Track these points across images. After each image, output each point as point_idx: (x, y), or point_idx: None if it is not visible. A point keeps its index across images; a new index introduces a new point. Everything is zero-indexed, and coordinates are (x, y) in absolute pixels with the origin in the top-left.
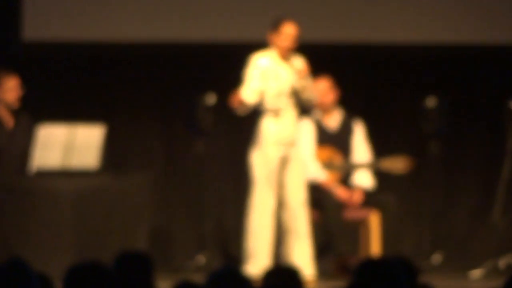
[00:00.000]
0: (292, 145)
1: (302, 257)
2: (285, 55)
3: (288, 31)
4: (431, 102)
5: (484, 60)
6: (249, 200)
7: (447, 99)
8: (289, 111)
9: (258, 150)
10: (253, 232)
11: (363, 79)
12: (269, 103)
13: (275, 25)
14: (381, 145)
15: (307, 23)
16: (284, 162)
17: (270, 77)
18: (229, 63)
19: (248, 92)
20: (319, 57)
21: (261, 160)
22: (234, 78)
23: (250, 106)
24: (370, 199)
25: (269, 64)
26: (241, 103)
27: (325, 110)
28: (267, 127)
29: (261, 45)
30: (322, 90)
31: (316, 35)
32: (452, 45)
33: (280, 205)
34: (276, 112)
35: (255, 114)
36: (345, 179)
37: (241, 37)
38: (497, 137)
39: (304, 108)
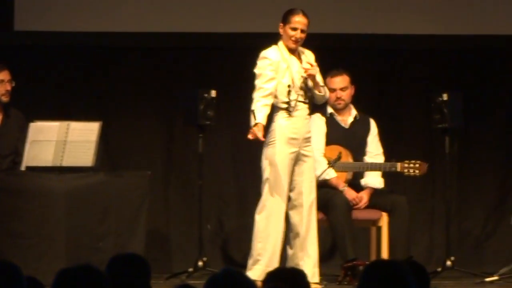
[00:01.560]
0: (305, 142)
1: (308, 263)
2: (294, 47)
3: (297, 20)
4: (445, 96)
5: (501, 51)
6: (255, 200)
7: (462, 93)
8: (301, 106)
9: (270, 147)
10: (262, 235)
11: (374, 74)
12: (280, 98)
13: (285, 16)
14: (393, 142)
15: (315, 14)
16: (296, 160)
17: (281, 70)
18: (229, 57)
19: (261, 110)
20: (329, 49)
21: (274, 158)
22: (234, 72)
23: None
24: (381, 200)
25: (278, 57)
26: (260, 135)
27: (341, 106)
28: (279, 123)
29: (264, 37)
30: (340, 85)
31: (326, 26)
32: (465, 36)
33: (290, 206)
34: (288, 107)
35: None
36: (354, 179)
37: (242, 29)
38: None
39: (315, 104)
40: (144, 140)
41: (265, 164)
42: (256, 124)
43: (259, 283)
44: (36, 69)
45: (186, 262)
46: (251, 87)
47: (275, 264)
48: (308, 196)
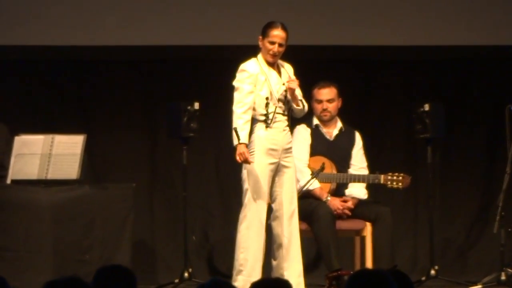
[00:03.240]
0: (285, 153)
1: (293, 274)
2: (274, 60)
3: (275, 34)
4: (426, 107)
5: (482, 61)
6: (239, 211)
7: (443, 103)
8: (280, 117)
9: (250, 158)
10: (244, 246)
11: (355, 85)
12: (258, 110)
13: (264, 30)
14: (375, 152)
15: (297, 27)
16: (277, 171)
17: (259, 83)
18: (211, 69)
19: (243, 127)
20: (311, 61)
21: (253, 168)
22: (216, 84)
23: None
24: (364, 210)
25: (257, 70)
26: (249, 157)
27: (327, 118)
28: (258, 134)
29: (246, 49)
30: (327, 97)
31: (308, 39)
32: (447, 47)
33: (272, 218)
34: (266, 119)
35: None
36: (338, 190)
37: (224, 41)
38: (497, 143)
39: (294, 117)
40: (128, 152)
41: (244, 174)
42: (240, 143)
43: None
44: (21, 82)
45: (172, 273)
46: (232, 99)
47: (257, 274)
48: (288, 207)
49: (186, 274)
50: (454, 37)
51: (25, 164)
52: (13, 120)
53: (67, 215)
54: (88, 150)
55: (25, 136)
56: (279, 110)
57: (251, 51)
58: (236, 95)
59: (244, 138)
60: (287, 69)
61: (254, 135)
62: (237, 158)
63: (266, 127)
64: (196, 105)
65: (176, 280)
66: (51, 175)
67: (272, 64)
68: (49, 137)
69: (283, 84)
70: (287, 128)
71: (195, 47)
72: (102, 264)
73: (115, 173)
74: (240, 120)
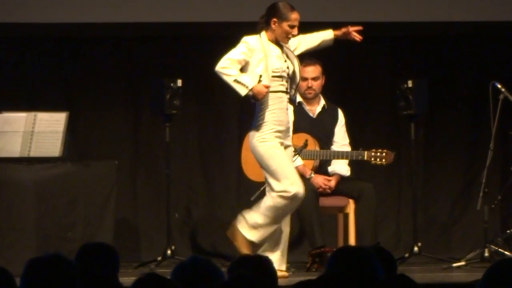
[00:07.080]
0: (287, 132)
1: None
2: (287, 43)
3: (296, 18)
4: (410, 83)
5: (466, 38)
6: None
7: (427, 80)
8: (284, 96)
9: (262, 144)
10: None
11: (339, 62)
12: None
13: (281, 12)
14: (359, 128)
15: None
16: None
17: (256, 58)
18: (194, 46)
19: (241, 75)
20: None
21: (272, 150)
22: (199, 61)
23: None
24: (348, 186)
25: (257, 45)
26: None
27: (311, 96)
28: (264, 119)
29: (229, 26)
30: (312, 75)
31: None
32: (431, 23)
33: None
34: (269, 97)
35: (222, 99)
36: (321, 167)
37: (206, 18)
38: (481, 120)
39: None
40: (111, 130)
41: (264, 161)
42: (251, 89)
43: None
44: (2, 60)
45: (155, 250)
46: (216, 76)
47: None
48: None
49: (169, 252)
50: (438, 13)
51: (8, 142)
52: None
53: (49, 193)
54: (71, 128)
55: (7, 114)
56: (282, 88)
57: (235, 28)
58: (226, 55)
59: (251, 83)
60: (289, 47)
61: (259, 119)
62: (259, 97)
63: (274, 106)
64: (179, 82)
65: (159, 258)
66: (33, 153)
67: (275, 43)
68: (31, 114)
69: (285, 61)
70: (285, 107)
71: (178, 24)
72: (85, 241)
73: (97, 150)
74: (233, 70)
